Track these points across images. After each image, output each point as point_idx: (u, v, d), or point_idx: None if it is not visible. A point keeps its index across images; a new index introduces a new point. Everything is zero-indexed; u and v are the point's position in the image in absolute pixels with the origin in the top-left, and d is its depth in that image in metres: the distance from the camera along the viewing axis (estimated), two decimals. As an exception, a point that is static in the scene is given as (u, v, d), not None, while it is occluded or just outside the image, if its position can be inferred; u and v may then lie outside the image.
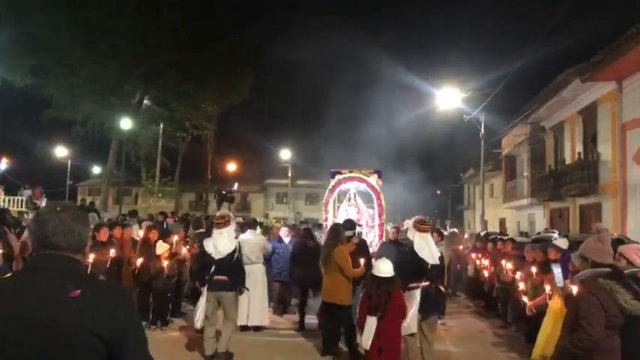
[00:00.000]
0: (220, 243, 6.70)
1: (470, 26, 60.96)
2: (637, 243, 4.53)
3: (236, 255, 6.67)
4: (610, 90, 14.79)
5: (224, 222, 6.82)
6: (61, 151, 40.85)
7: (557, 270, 3.78)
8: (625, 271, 3.47)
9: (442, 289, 6.50)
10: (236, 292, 6.69)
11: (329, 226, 7.87)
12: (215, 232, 6.92)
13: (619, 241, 5.45)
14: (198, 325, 6.83)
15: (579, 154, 16.80)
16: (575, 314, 3.34)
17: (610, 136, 14.95)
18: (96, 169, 46.33)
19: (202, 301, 6.69)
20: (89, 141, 30.23)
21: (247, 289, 6.93)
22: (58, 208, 1.88)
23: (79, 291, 1.70)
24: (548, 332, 4.82)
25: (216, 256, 6.62)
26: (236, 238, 7.27)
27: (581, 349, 3.20)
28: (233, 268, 6.63)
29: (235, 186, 23.46)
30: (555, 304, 4.86)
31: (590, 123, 16.69)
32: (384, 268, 5.51)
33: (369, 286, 5.64)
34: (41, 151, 39.38)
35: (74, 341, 1.66)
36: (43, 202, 23.61)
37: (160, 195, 37.15)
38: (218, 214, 7.28)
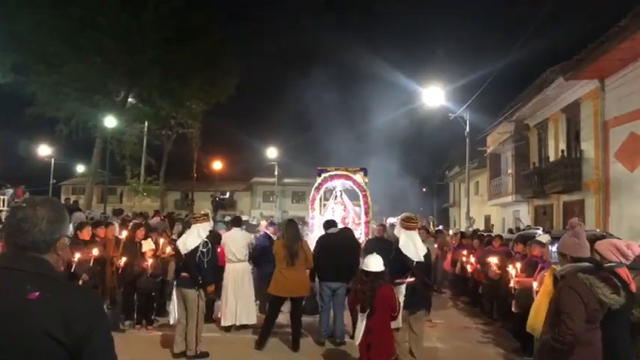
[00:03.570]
0: (189, 239, 6.75)
1: (455, 25, 61.29)
2: (618, 238, 4.57)
3: (198, 253, 6.58)
4: (592, 88, 14.99)
5: (200, 218, 6.91)
6: (44, 150, 40.35)
7: (553, 248, 3.81)
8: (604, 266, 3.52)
9: (429, 285, 6.54)
10: (196, 290, 6.60)
11: (286, 221, 8.05)
12: (191, 228, 6.99)
13: (602, 238, 5.50)
14: (170, 320, 7.04)
15: (563, 151, 17.00)
16: (556, 310, 3.38)
17: (593, 133, 15.16)
18: (80, 168, 45.82)
19: (173, 297, 6.86)
20: (73, 139, 29.80)
21: (204, 291, 6.69)
22: (24, 205, 1.79)
23: (37, 293, 1.63)
24: (540, 306, 4.90)
25: (183, 252, 6.68)
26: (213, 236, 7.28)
27: (563, 343, 3.24)
28: (195, 265, 6.59)
29: (227, 194, 23.68)
30: (548, 280, 4.92)
31: (573, 121, 16.90)
32: (371, 262, 5.45)
33: (357, 282, 5.62)
34: (24, 149, 38.88)
35: (32, 344, 1.61)
36: (25, 202, 23.31)
37: (145, 194, 36.81)
38: (202, 212, 7.26)
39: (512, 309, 7.16)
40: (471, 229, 17.42)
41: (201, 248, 6.59)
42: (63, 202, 28.43)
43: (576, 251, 3.54)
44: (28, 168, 39.86)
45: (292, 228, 7.50)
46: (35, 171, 40.50)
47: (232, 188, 50.52)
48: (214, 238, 7.79)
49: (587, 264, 3.42)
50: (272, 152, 43.01)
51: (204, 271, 6.59)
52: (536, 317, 5.01)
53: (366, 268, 5.43)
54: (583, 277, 3.29)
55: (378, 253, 6.10)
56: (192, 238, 6.69)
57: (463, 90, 30.01)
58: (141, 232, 8.38)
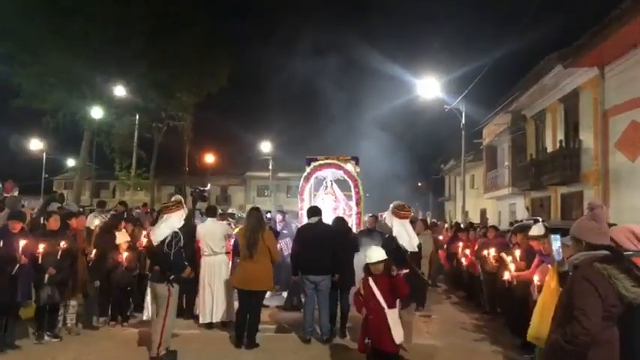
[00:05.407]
0: (158, 230, 6.15)
1: (451, 14, 60.83)
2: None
3: (166, 244, 5.97)
4: (592, 77, 14.55)
5: (171, 207, 6.20)
6: (36, 145, 39.74)
7: (555, 243, 3.31)
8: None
9: (423, 277, 6.24)
10: (166, 285, 6.00)
11: (248, 211, 7.52)
12: (162, 217, 6.35)
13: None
14: (144, 316, 6.88)
15: (561, 142, 16.56)
16: (567, 304, 2.89)
17: (592, 123, 14.74)
18: (71, 162, 45.22)
19: (148, 292, 6.46)
20: (64, 133, 29.26)
21: (173, 285, 6.08)
22: None
23: None
24: (543, 311, 4.34)
25: (155, 244, 6.10)
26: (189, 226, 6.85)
27: (576, 345, 2.74)
28: (163, 257, 6.01)
29: (208, 186, 23.15)
30: (551, 280, 4.42)
31: (571, 110, 16.48)
32: (374, 254, 5.02)
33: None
34: (16, 144, 38.29)
35: None
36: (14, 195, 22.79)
37: (139, 189, 36.22)
38: (173, 198, 6.61)
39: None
40: (462, 225, 17.08)
41: (168, 239, 5.98)
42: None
43: (594, 237, 3.04)
44: (20, 163, 39.27)
45: (253, 217, 6.98)
46: (27, 166, 39.93)
47: (226, 182, 50.14)
48: (189, 229, 7.26)
49: (604, 252, 2.91)
50: (266, 146, 42.63)
51: (169, 263, 5.98)
52: (540, 324, 4.33)
53: (369, 261, 4.97)
54: (600, 267, 2.79)
55: (370, 245, 5.72)
56: (161, 229, 6.08)
57: (459, 81, 29.49)
58: (119, 223, 7.90)
